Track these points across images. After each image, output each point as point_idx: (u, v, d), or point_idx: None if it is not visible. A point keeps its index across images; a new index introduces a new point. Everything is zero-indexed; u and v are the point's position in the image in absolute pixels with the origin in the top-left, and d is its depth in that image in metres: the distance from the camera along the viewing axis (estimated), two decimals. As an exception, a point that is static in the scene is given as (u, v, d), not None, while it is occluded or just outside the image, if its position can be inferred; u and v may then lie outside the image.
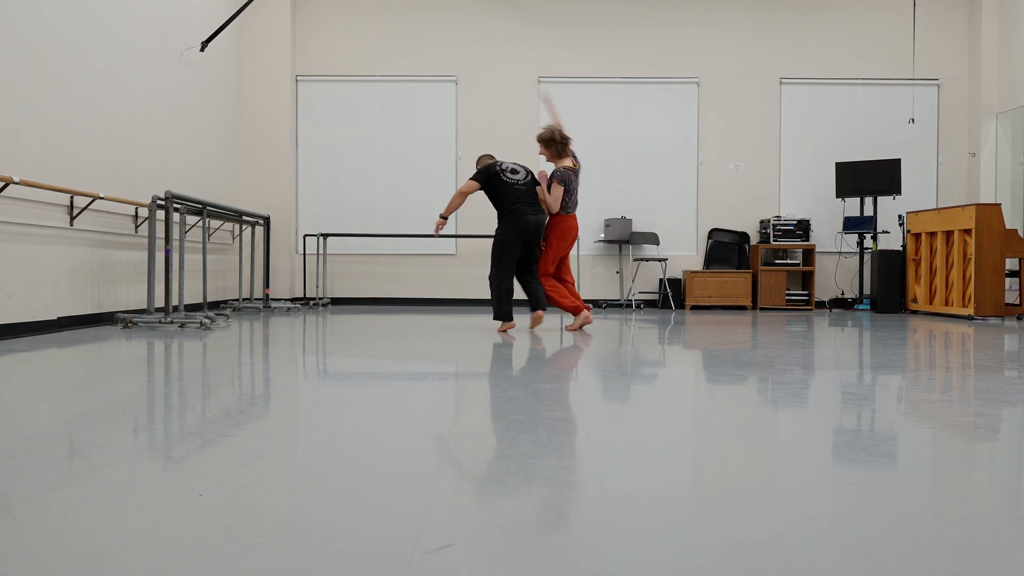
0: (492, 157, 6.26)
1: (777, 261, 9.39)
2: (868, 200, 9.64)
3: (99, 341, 4.82)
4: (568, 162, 6.01)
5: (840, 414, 2.55)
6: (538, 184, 5.99)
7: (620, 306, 9.59)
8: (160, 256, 6.87)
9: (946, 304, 8.15)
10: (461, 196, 5.85)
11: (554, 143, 5.97)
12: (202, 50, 8.02)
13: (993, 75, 9.50)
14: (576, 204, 6.05)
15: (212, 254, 8.52)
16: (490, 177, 5.87)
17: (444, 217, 5.93)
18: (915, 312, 8.84)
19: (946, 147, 9.82)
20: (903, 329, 6.43)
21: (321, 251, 9.69)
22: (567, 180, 5.91)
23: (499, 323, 6.50)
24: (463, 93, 9.79)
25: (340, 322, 6.71)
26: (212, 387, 3.03)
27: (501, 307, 5.81)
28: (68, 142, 5.73)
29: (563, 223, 6.00)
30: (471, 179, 5.87)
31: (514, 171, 5.95)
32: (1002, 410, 2.64)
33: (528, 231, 5.78)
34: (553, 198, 5.88)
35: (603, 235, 9.65)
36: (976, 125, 9.61)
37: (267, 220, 8.63)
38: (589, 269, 9.81)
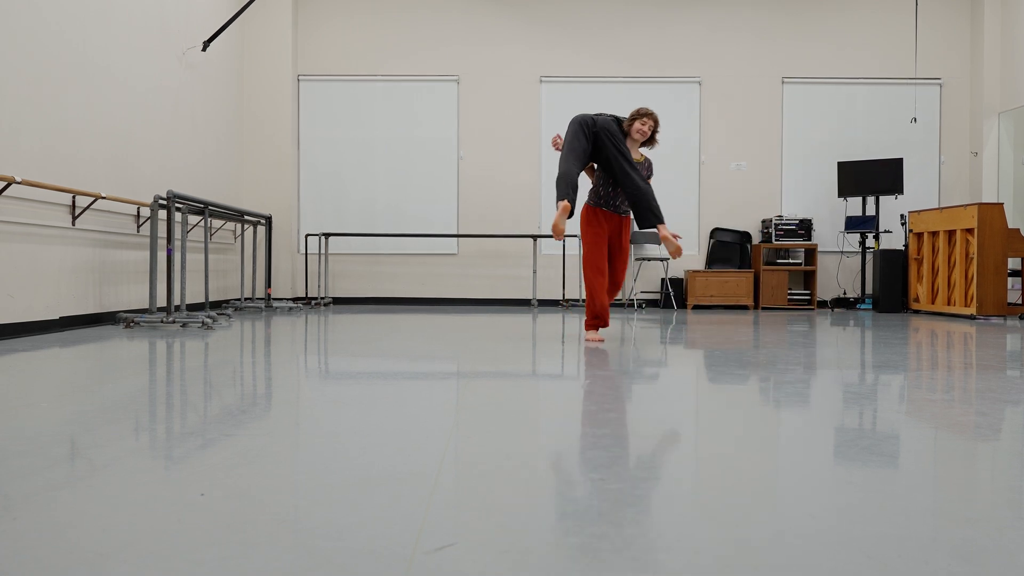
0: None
1: (779, 260, 9.38)
2: (870, 199, 9.63)
3: (101, 341, 4.83)
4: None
5: (842, 413, 2.55)
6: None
7: (622, 306, 9.58)
8: (162, 256, 6.87)
9: (948, 304, 8.14)
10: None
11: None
12: (204, 50, 8.02)
13: (995, 74, 9.48)
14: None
15: (214, 254, 8.52)
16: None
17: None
18: (917, 312, 8.83)
19: (948, 146, 9.81)
20: (905, 328, 6.43)
21: (323, 251, 9.69)
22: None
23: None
24: (464, 93, 9.78)
25: (342, 322, 6.71)
26: (214, 387, 3.03)
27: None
28: (69, 142, 5.73)
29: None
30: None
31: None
32: (1004, 410, 2.63)
33: None
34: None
35: (605, 235, 9.64)
36: (978, 124, 9.59)
37: (269, 220, 8.63)
38: (591, 269, 9.80)
